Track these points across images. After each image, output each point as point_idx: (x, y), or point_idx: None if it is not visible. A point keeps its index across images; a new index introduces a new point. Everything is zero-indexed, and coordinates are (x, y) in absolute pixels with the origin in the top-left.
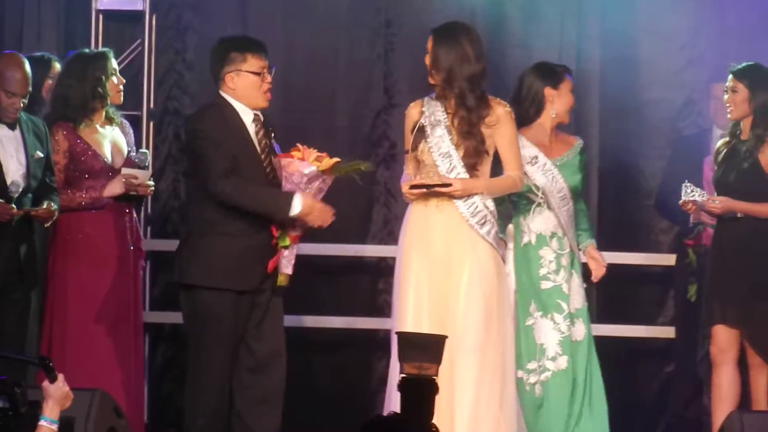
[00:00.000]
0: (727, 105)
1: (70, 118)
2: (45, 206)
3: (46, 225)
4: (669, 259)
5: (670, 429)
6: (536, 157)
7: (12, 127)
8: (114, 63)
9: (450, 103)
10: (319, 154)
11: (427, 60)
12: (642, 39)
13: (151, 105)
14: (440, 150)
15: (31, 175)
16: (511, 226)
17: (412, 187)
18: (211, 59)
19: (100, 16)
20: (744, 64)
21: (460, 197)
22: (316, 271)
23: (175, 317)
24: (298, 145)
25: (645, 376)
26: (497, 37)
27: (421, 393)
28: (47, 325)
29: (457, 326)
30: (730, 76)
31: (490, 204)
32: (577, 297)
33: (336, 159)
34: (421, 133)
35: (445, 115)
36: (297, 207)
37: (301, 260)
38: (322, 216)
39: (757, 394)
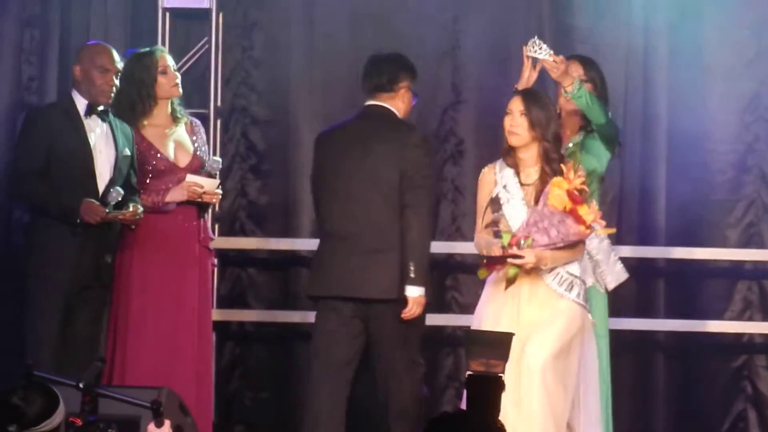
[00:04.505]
0: None
1: (124, 120)
2: (132, 209)
3: (131, 227)
4: (736, 254)
5: (737, 424)
6: None
7: (103, 118)
8: (165, 59)
9: (525, 170)
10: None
11: (514, 122)
12: (709, 30)
13: (219, 103)
14: (515, 221)
15: (118, 170)
16: None
17: (486, 259)
18: (389, 69)
19: (167, 14)
20: None
21: (531, 269)
22: None
23: (241, 315)
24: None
25: (712, 371)
26: (564, 32)
27: (487, 390)
28: (113, 321)
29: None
30: None
31: (574, 269)
32: None
33: (611, 230)
34: (496, 204)
35: (517, 182)
36: None
37: None
38: None
39: None
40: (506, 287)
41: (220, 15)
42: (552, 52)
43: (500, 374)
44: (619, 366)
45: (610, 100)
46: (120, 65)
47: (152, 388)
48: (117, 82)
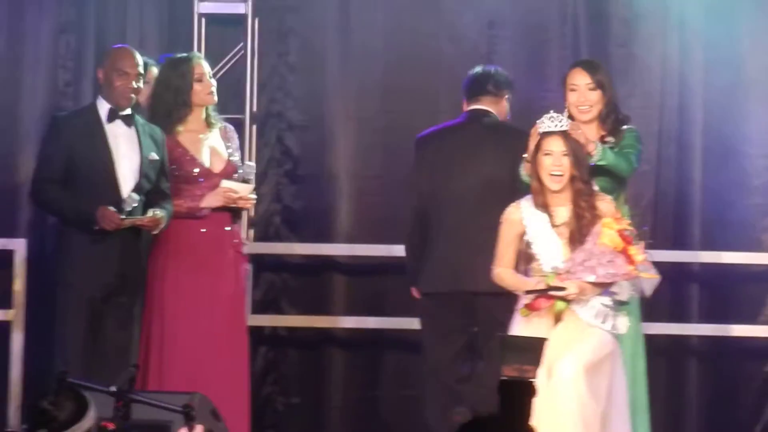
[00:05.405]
0: None
1: (158, 126)
2: (150, 215)
3: (153, 233)
4: None
5: None
6: None
7: (128, 123)
8: (201, 66)
9: (555, 210)
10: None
11: (557, 162)
12: (744, 33)
13: (254, 108)
14: (551, 263)
15: (144, 176)
16: None
17: (527, 293)
18: (496, 77)
19: (203, 20)
20: None
21: (574, 300)
22: None
23: (275, 320)
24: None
25: (745, 375)
26: (600, 37)
27: (520, 395)
28: (146, 328)
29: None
30: None
31: (606, 300)
32: None
33: (655, 275)
34: (527, 246)
35: (549, 223)
36: None
37: None
38: None
39: None
40: (554, 324)
41: (256, 20)
42: (568, 122)
43: (532, 379)
44: (653, 370)
45: (646, 103)
46: (142, 68)
47: (184, 393)
48: (139, 84)
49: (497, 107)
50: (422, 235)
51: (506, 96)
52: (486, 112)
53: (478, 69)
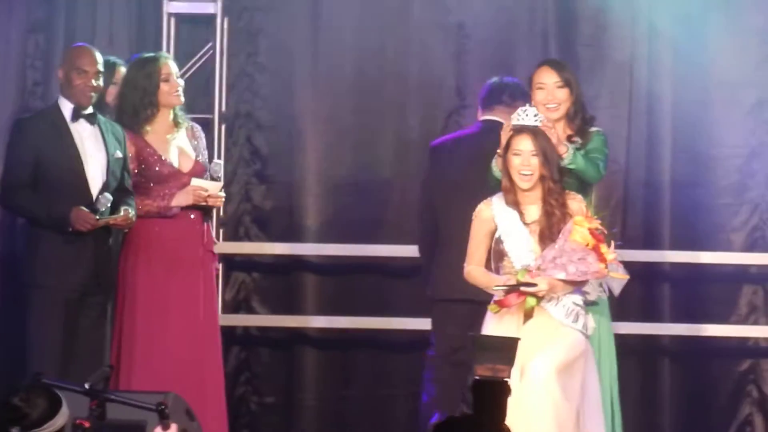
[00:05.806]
0: None
1: (126, 126)
2: (122, 213)
3: (125, 231)
4: (741, 258)
5: (743, 428)
6: None
7: (91, 121)
8: (168, 67)
9: (526, 208)
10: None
11: (526, 162)
12: (714, 35)
13: (223, 108)
14: (521, 261)
15: (111, 173)
16: None
17: (497, 288)
18: (510, 88)
19: (172, 20)
20: None
21: (544, 297)
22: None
23: (247, 320)
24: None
25: (718, 375)
26: (569, 38)
27: (493, 395)
28: (117, 327)
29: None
30: None
31: (578, 299)
32: None
33: (624, 276)
34: (497, 243)
35: (520, 221)
36: None
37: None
38: None
39: None
40: (524, 321)
41: (225, 20)
42: (542, 118)
43: (506, 379)
44: (625, 370)
45: (615, 103)
46: (101, 66)
47: (158, 393)
48: (99, 82)
49: (509, 117)
50: (434, 239)
51: (519, 106)
52: (499, 123)
53: (495, 79)
